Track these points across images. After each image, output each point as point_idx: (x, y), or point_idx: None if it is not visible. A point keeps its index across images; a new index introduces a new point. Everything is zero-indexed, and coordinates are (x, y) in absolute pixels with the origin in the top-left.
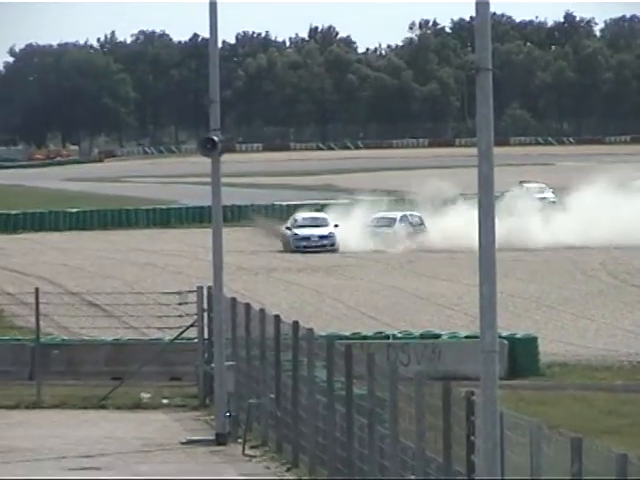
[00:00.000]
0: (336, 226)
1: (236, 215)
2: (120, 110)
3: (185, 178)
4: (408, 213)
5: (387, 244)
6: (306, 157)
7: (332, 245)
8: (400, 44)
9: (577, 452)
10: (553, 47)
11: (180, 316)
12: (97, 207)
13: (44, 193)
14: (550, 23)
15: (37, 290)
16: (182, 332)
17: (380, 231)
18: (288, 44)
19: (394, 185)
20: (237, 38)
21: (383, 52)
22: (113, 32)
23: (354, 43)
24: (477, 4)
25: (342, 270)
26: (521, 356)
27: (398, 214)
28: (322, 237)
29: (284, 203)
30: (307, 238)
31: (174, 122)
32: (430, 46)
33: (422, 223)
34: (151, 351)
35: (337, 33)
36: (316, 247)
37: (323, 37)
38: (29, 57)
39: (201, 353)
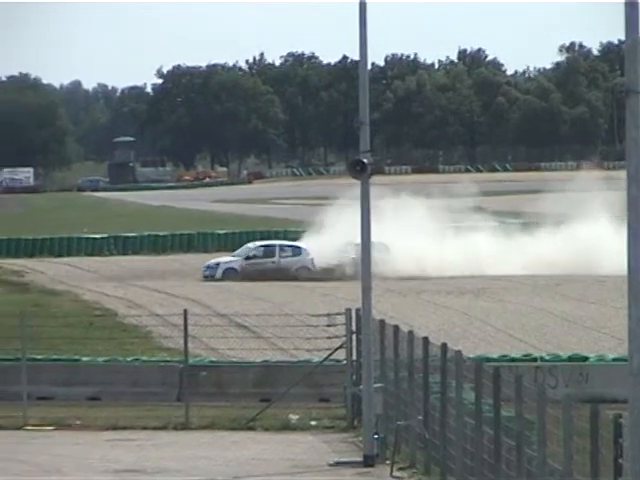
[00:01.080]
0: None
1: None
2: (269, 132)
3: (332, 200)
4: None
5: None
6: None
7: None
8: (548, 67)
9: None
10: None
11: (329, 338)
12: (245, 229)
13: (193, 215)
14: None
15: (186, 312)
16: (331, 354)
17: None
18: (437, 66)
19: (538, 208)
20: (386, 60)
21: (531, 75)
22: (262, 54)
23: (502, 65)
24: (626, 27)
25: (490, 292)
26: None
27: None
28: None
29: None
30: None
31: (323, 144)
32: (579, 69)
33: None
34: (300, 373)
35: (486, 55)
36: None
37: (472, 59)
38: (177, 78)
39: (349, 375)
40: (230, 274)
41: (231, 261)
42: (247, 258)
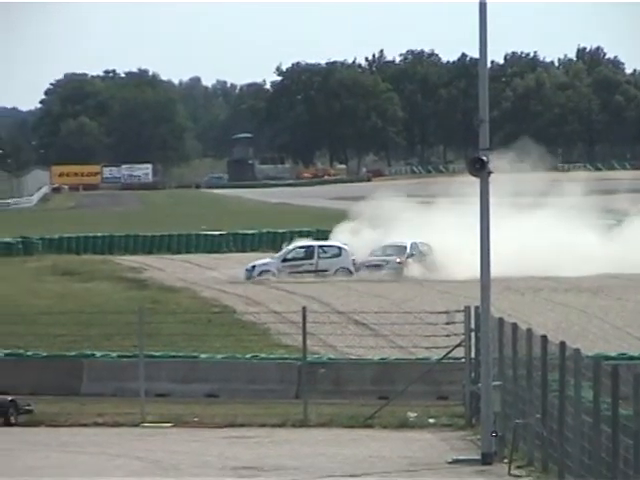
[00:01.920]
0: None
1: None
2: (388, 129)
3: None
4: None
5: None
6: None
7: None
8: None
9: None
10: None
11: (447, 335)
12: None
13: (311, 212)
14: None
15: (304, 309)
16: (449, 351)
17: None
18: (556, 64)
19: None
20: (506, 58)
21: None
22: (382, 51)
23: (622, 64)
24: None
25: (609, 290)
26: None
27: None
28: None
29: None
30: None
31: (442, 141)
32: None
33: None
34: (418, 370)
35: (605, 54)
36: None
37: (591, 57)
38: (297, 76)
39: (468, 372)
40: (267, 276)
41: (268, 263)
42: (284, 260)
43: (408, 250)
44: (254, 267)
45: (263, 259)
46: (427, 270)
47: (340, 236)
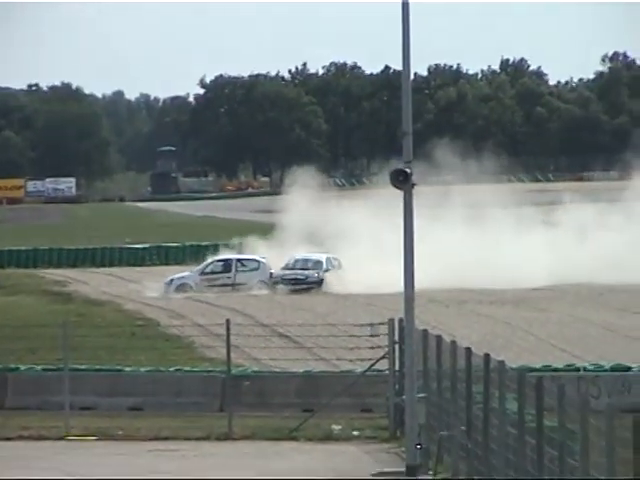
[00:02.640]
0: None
1: None
2: (312, 142)
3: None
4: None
5: None
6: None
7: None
8: (592, 77)
9: None
10: None
11: (371, 348)
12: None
13: (235, 225)
14: None
15: (228, 321)
16: (373, 364)
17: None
18: (480, 76)
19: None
20: (429, 70)
21: (574, 85)
22: (305, 64)
23: (545, 75)
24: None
25: (532, 302)
26: None
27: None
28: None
29: None
30: None
31: (366, 154)
32: (622, 79)
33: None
34: (342, 383)
35: (529, 65)
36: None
37: (515, 69)
38: (220, 88)
39: (392, 385)
40: (184, 290)
41: (186, 276)
42: (203, 273)
43: (324, 265)
44: (172, 280)
45: (182, 272)
46: (340, 284)
47: (260, 249)
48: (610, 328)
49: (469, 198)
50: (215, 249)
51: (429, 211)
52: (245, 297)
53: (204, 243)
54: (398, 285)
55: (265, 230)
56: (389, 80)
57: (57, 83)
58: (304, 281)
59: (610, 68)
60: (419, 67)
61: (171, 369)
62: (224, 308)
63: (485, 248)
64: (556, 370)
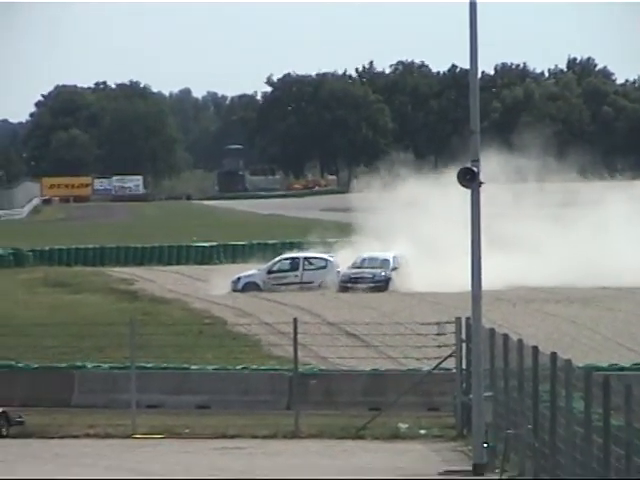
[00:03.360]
0: None
1: None
2: (379, 140)
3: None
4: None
5: None
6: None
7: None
8: None
9: None
10: None
11: (438, 346)
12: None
13: (302, 223)
14: None
15: (295, 320)
16: (440, 362)
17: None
18: (547, 75)
19: None
20: (496, 69)
21: None
22: (371, 62)
23: (612, 74)
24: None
25: (599, 301)
26: None
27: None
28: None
29: None
30: None
31: (433, 152)
32: None
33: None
34: (409, 381)
35: (596, 64)
36: None
37: (582, 68)
38: (287, 87)
39: (459, 383)
40: (251, 288)
41: (253, 274)
42: (270, 272)
43: (391, 263)
44: (239, 279)
45: (249, 271)
46: (406, 282)
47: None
48: None
49: (546, 196)
50: (282, 247)
51: (516, 211)
52: (312, 295)
53: (271, 241)
54: (468, 284)
55: (333, 228)
56: (456, 79)
57: (125, 81)
58: (371, 279)
59: None
60: (486, 66)
61: (238, 367)
62: (291, 306)
63: (587, 244)
64: (623, 369)
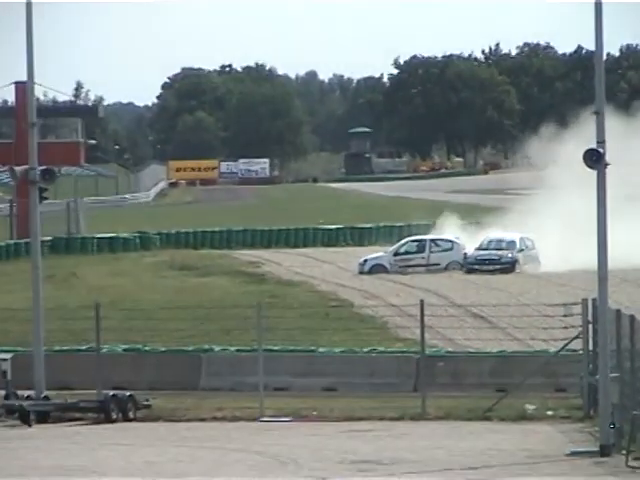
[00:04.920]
0: None
1: None
2: (505, 122)
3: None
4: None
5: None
6: None
7: None
8: None
9: None
10: None
11: (565, 328)
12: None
13: (428, 205)
14: None
15: (422, 302)
16: (567, 344)
17: None
18: None
19: None
20: (621, 51)
21: None
22: (498, 44)
23: None
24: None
25: None
26: None
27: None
28: None
29: None
30: None
31: (559, 134)
32: None
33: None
34: (536, 363)
35: None
36: None
37: None
38: (413, 69)
39: (586, 365)
40: (378, 270)
41: (380, 257)
42: (397, 254)
43: (518, 245)
44: (366, 261)
45: (376, 253)
46: (533, 264)
47: (448, 229)
48: None
49: None
50: (409, 229)
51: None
52: (439, 277)
53: (397, 224)
54: (592, 264)
55: (459, 210)
56: (581, 60)
57: (250, 64)
58: (498, 261)
59: None
60: (611, 47)
61: (365, 350)
62: (418, 288)
63: None
64: None
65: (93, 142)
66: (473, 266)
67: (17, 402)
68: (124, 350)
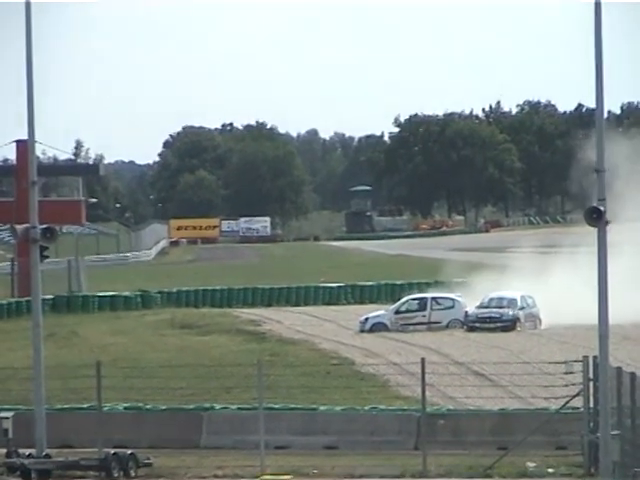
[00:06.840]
0: None
1: None
2: (506, 180)
3: (565, 248)
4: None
5: None
6: None
7: None
8: None
9: None
10: None
11: (566, 385)
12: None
13: (429, 263)
14: None
15: (423, 360)
16: (568, 401)
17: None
18: None
19: None
20: (622, 108)
21: None
22: (498, 102)
23: None
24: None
25: None
26: None
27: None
28: None
29: None
30: None
31: (560, 192)
32: None
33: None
34: (537, 420)
35: None
36: None
37: None
38: (414, 127)
39: (587, 422)
40: (379, 328)
41: (381, 315)
42: (398, 312)
43: (519, 303)
44: (367, 319)
45: (377, 311)
46: (534, 323)
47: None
48: None
49: None
50: (410, 287)
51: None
52: (440, 335)
53: (399, 282)
54: (592, 322)
55: (459, 268)
56: (582, 118)
57: (252, 122)
58: (499, 319)
59: None
60: (613, 105)
61: (366, 408)
62: (419, 346)
63: None
64: None
65: (94, 200)
66: (474, 324)
67: (19, 460)
68: (125, 408)
